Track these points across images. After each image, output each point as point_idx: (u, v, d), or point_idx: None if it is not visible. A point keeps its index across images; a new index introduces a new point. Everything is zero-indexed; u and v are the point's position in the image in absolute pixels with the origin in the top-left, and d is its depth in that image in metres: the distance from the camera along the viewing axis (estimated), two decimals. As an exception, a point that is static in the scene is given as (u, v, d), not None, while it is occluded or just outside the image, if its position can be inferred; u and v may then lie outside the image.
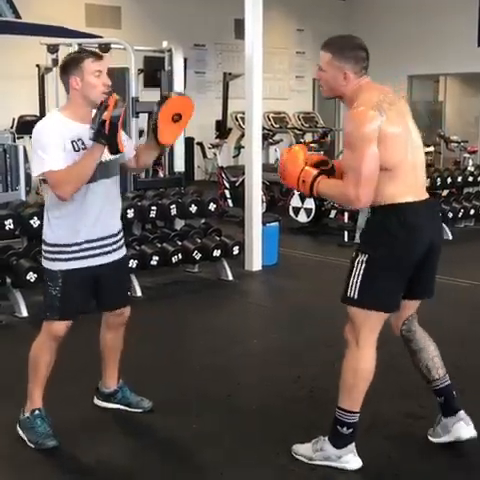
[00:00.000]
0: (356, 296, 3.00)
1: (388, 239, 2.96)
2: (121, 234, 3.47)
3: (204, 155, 13.45)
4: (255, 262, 6.82)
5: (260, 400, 3.89)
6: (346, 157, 2.94)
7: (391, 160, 2.90)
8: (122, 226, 3.50)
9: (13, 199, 6.23)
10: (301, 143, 10.55)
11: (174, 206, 6.29)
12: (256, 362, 4.57)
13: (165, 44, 7.57)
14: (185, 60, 7.76)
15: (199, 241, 6.34)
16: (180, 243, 6.25)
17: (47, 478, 3.19)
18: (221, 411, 3.74)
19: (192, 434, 3.51)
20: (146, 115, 7.99)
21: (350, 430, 3.06)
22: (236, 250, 6.50)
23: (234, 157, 13.15)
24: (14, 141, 8.11)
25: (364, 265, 2.98)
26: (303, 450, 3.18)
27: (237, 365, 4.44)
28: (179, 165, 7.28)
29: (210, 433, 3.51)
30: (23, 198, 6.84)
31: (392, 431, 3.47)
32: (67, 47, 8.02)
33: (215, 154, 10.49)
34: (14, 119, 10.55)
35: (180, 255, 6.12)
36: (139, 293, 5.85)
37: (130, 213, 6.00)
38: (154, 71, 9.17)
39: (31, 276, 5.17)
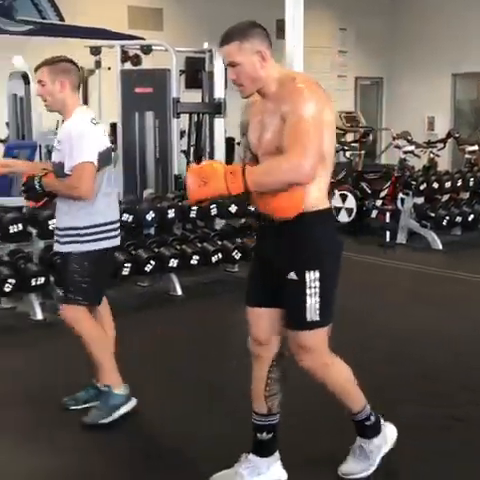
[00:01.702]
0: (318, 318, 2.78)
1: (330, 247, 2.86)
2: (64, 231, 3.53)
3: (245, 155, 13.48)
4: (295, 262, 6.79)
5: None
6: (291, 131, 2.54)
7: (328, 147, 2.64)
8: (69, 225, 3.52)
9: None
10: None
11: (214, 206, 6.33)
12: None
13: (206, 45, 7.62)
14: (226, 60, 7.77)
15: (239, 241, 6.36)
16: (220, 243, 6.29)
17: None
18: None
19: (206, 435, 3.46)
20: (187, 116, 8.08)
21: (374, 416, 3.02)
22: (276, 250, 6.49)
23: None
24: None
25: (318, 283, 2.77)
26: (361, 465, 3.00)
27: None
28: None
29: (217, 436, 3.44)
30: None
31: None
32: (109, 49, 8.15)
33: (256, 154, 10.48)
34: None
35: (220, 255, 6.15)
36: (179, 291, 5.92)
37: (171, 213, 6.05)
38: (195, 72, 9.23)
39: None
